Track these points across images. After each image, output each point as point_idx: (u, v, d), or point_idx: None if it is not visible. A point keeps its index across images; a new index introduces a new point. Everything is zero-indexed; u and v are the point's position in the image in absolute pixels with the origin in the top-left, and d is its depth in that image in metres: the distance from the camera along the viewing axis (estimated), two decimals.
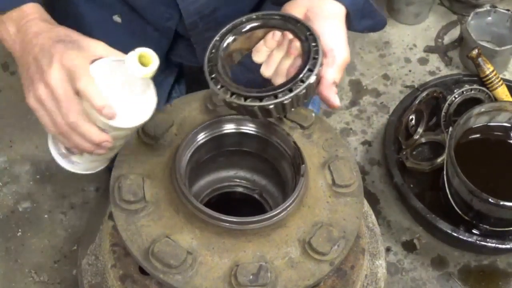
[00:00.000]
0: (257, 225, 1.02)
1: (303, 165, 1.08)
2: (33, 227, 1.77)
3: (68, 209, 1.81)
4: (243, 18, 1.07)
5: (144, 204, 1.05)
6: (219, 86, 1.01)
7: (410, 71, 2.21)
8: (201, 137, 1.13)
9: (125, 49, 1.39)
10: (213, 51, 1.05)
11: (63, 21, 1.43)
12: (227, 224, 1.02)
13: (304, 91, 0.99)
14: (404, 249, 1.81)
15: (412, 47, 2.28)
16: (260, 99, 0.99)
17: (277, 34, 1.06)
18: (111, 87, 0.96)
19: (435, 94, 1.96)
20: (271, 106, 0.98)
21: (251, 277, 0.98)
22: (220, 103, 1.10)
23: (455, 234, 1.69)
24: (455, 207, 1.74)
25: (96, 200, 1.82)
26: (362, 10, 1.15)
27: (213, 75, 1.02)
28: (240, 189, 1.28)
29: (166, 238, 1.00)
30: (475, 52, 1.95)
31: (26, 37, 1.02)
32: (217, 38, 1.06)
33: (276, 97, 0.98)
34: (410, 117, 1.93)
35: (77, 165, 1.08)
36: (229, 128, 1.15)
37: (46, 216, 1.79)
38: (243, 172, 1.27)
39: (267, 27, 1.06)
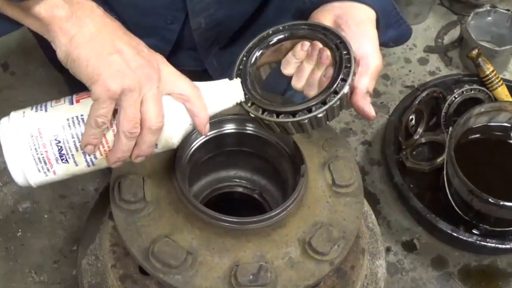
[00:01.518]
0: (257, 225, 1.02)
1: (303, 165, 1.08)
2: (33, 227, 1.77)
3: (68, 209, 1.81)
4: (270, 31, 1.04)
5: (144, 204, 1.05)
6: (249, 104, 0.99)
7: (410, 71, 2.21)
8: (201, 137, 1.13)
9: None
10: (240, 67, 1.02)
11: None
12: (227, 224, 1.02)
13: (338, 102, 0.95)
14: (404, 249, 1.81)
15: (412, 47, 2.28)
16: (293, 114, 0.96)
17: (306, 44, 1.02)
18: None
19: (435, 94, 1.96)
20: (306, 121, 0.95)
21: (251, 277, 0.98)
22: (251, 120, 1.05)
23: (455, 234, 1.70)
24: (455, 207, 1.74)
25: (96, 200, 1.82)
26: (390, 17, 1.11)
27: (252, 105, 0.99)
28: (240, 189, 1.28)
29: (166, 238, 1.00)
30: (475, 52, 1.95)
31: (102, 19, 0.91)
32: (243, 53, 1.04)
33: (310, 111, 0.95)
34: (410, 117, 1.93)
35: (49, 176, 0.95)
36: (229, 128, 1.15)
37: (46, 216, 1.79)
38: (243, 172, 1.27)
39: (295, 37, 1.03)
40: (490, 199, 1.62)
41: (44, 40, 0.98)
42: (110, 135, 0.92)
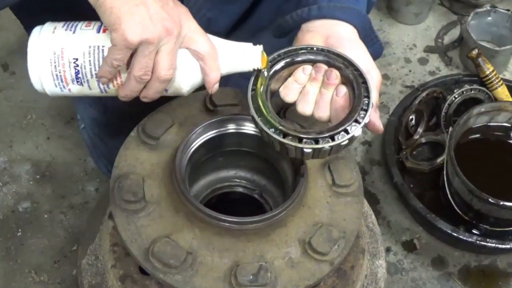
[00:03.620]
0: (257, 225, 1.02)
1: (303, 165, 1.08)
2: (33, 227, 1.77)
3: (68, 209, 1.81)
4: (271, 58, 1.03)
5: (144, 204, 1.05)
6: (259, 117, 0.98)
7: (410, 71, 2.21)
8: (201, 137, 1.13)
9: None
10: (254, 87, 1.01)
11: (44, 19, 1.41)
12: (227, 224, 1.02)
13: (346, 142, 0.96)
14: (404, 249, 1.81)
15: (412, 47, 2.28)
16: (300, 139, 0.96)
17: (308, 68, 1.01)
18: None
19: (435, 94, 1.96)
20: (309, 150, 0.95)
21: (251, 277, 0.98)
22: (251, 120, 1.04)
23: (455, 234, 1.70)
24: (455, 207, 1.74)
25: (96, 200, 1.82)
26: (367, 35, 1.13)
27: (260, 116, 0.98)
28: (240, 189, 1.28)
29: (166, 238, 1.00)
30: (475, 52, 1.95)
31: None
32: (264, 69, 1.02)
33: (316, 142, 0.95)
34: (410, 117, 1.93)
35: (64, 92, 1.01)
36: (229, 128, 1.15)
37: (46, 216, 1.79)
38: (243, 172, 1.27)
39: (297, 63, 1.02)
40: (490, 199, 1.62)
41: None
42: (125, 73, 0.99)
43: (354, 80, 0.99)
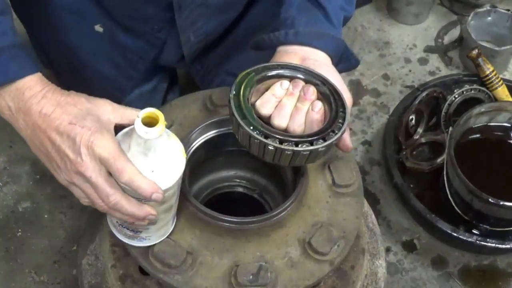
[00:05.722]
0: (257, 225, 1.02)
1: (303, 165, 1.08)
2: (33, 227, 1.77)
3: (68, 209, 1.81)
4: (248, 71, 1.03)
5: None
6: (251, 128, 0.97)
7: (410, 71, 2.21)
8: (201, 137, 1.13)
9: (108, 58, 1.41)
10: (236, 92, 1.00)
11: (42, 31, 1.43)
12: (227, 224, 1.02)
13: (324, 148, 0.98)
14: (404, 249, 1.81)
15: (412, 47, 2.28)
16: (281, 142, 0.96)
17: (286, 82, 1.02)
18: (140, 160, 0.90)
19: (435, 94, 1.96)
20: (288, 152, 0.96)
21: (251, 277, 0.98)
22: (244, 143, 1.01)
23: (455, 234, 1.70)
24: (455, 207, 1.74)
25: None
26: (341, 56, 1.17)
27: (243, 119, 0.97)
28: (240, 189, 1.28)
29: (166, 238, 1.00)
30: (475, 52, 1.95)
31: (32, 118, 0.94)
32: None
33: (297, 145, 0.96)
34: (410, 117, 1.93)
35: (148, 240, 1.00)
36: (229, 128, 1.15)
37: (46, 216, 1.79)
38: (243, 172, 1.27)
39: (277, 77, 1.03)
40: (490, 199, 1.62)
41: (34, 40, 0.98)
42: None
43: (331, 96, 1.02)
